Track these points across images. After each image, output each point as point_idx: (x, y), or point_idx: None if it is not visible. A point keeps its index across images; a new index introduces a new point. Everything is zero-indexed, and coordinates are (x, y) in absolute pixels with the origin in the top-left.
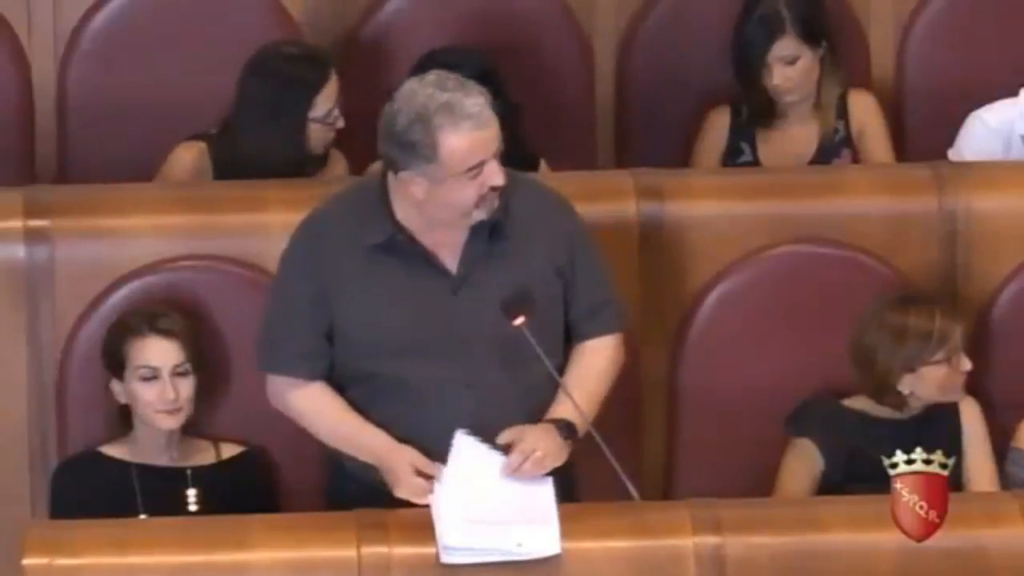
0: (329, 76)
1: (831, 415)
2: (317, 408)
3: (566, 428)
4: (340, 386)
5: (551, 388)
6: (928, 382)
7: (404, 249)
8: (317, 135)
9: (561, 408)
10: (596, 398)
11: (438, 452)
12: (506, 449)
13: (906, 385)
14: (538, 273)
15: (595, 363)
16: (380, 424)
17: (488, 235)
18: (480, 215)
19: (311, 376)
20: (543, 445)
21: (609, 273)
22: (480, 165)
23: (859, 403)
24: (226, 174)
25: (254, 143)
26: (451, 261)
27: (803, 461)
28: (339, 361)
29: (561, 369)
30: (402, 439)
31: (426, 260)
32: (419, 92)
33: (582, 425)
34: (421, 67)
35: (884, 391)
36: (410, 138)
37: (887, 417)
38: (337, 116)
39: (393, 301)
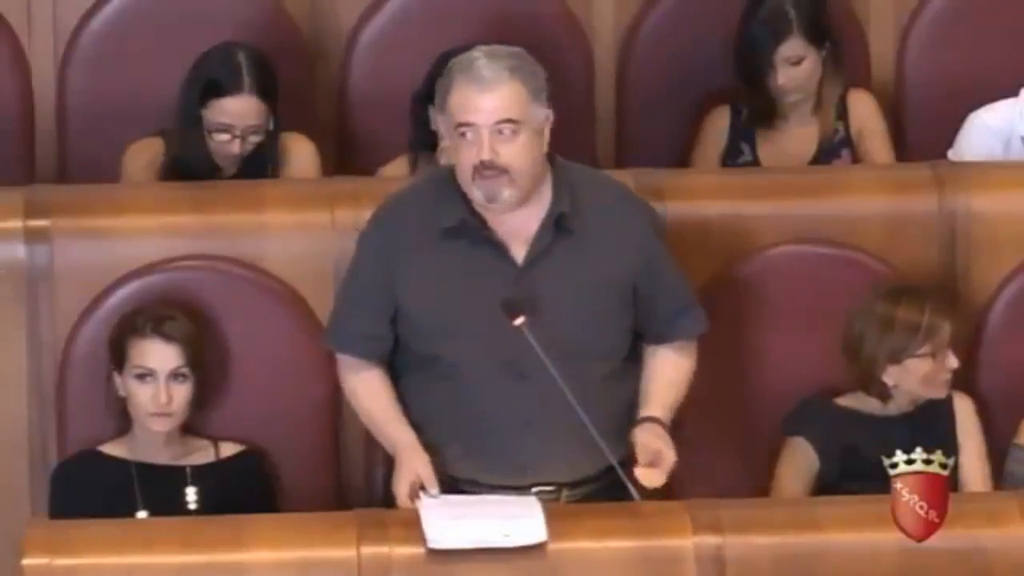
0: (234, 87)
1: (824, 413)
2: (364, 391)
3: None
4: (400, 371)
5: (608, 385)
6: (912, 375)
7: (475, 234)
8: (219, 144)
9: (655, 407)
10: (678, 400)
11: (488, 441)
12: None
13: (891, 376)
14: (604, 273)
15: (681, 365)
16: (434, 410)
17: (554, 228)
18: (479, 196)
19: (369, 357)
20: (668, 448)
21: (685, 278)
22: (469, 127)
23: (852, 401)
24: (168, 168)
25: (177, 140)
26: (519, 251)
27: (798, 460)
28: (401, 344)
29: (615, 372)
30: (455, 425)
31: (494, 247)
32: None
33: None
34: (442, 64)
35: (869, 381)
36: (439, 84)
37: (880, 414)
38: (240, 136)
39: (455, 284)
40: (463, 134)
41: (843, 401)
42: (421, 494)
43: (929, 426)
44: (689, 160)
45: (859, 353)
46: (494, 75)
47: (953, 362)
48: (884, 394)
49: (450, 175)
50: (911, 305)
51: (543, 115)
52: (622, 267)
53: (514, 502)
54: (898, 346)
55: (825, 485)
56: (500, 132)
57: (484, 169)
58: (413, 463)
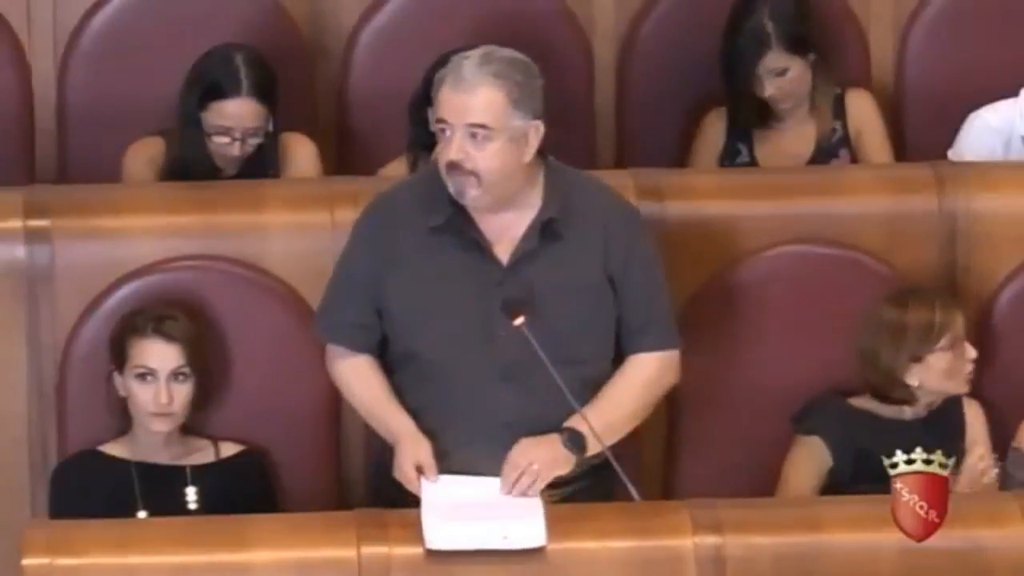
0: (233, 90)
1: (840, 414)
2: (357, 380)
3: (572, 438)
4: (388, 368)
5: (594, 388)
6: (935, 371)
7: (462, 233)
8: (218, 146)
9: (577, 418)
10: (622, 412)
11: (472, 442)
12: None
13: (914, 376)
14: (587, 278)
15: (630, 379)
16: (418, 409)
17: (541, 232)
18: (451, 190)
19: (359, 347)
20: (540, 456)
21: (665, 292)
22: (446, 124)
23: (866, 403)
24: (168, 170)
25: (177, 141)
26: (505, 253)
27: (811, 459)
28: (387, 341)
29: (602, 374)
30: (438, 426)
31: (480, 248)
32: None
33: (595, 437)
34: (440, 66)
35: (892, 386)
36: (438, 75)
37: (894, 418)
38: (240, 139)
39: (440, 283)
40: (442, 130)
41: (857, 402)
42: (422, 479)
43: (941, 430)
44: (687, 162)
45: (877, 363)
46: (475, 78)
47: (972, 352)
48: (909, 397)
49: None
50: (920, 305)
51: (525, 125)
52: (603, 272)
53: (516, 498)
54: (915, 347)
55: (836, 485)
56: (473, 136)
57: (453, 168)
58: (414, 449)
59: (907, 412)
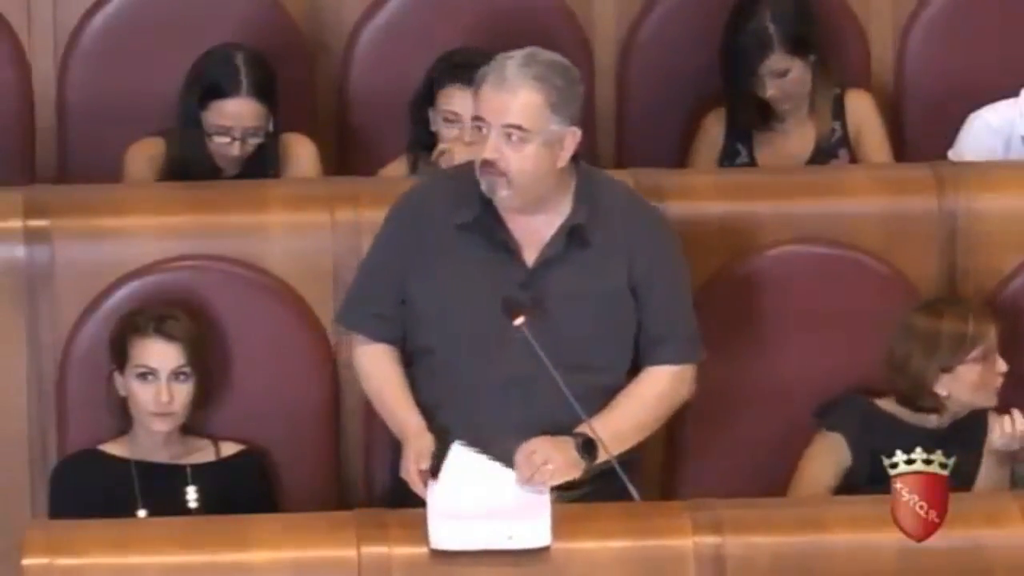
0: (232, 90)
1: (865, 414)
2: (373, 369)
3: (585, 444)
4: (405, 361)
5: (607, 397)
6: (964, 382)
7: (490, 231)
8: (218, 146)
9: (587, 425)
10: (630, 423)
11: (480, 442)
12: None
13: (943, 386)
14: (610, 286)
15: (642, 391)
16: (430, 405)
17: (567, 238)
18: (483, 187)
19: (379, 338)
20: (555, 457)
21: (688, 304)
22: (483, 122)
23: (891, 406)
24: (168, 170)
25: (178, 141)
26: (531, 255)
27: (830, 455)
28: (407, 335)
29: (617, 385)
30: (448, 424)
31: (508, 249)
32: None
33: (602, 446)
34: (440, 65)
35: (920, 394)
36: (480, 71)
37: (917, 424)
38: (240, 139)
39: (463, 281)
40: (479, 127)
41: (883, 404)
42: (430, 480)
43: (961, 441)
44: (687, 162)
45: (907, 370)
46: (515, 78)
47: (1002, 366)
48: (937, 406)
49: (473, 171)
50: (954, 315)
51: (562, 130)
52: (627, 282)
53: (523, 497)
54: (947, 357)
55: (852, 486)
56: (509, 136)
57: (486, 166)
58: (415, 445)
59: (931, 420)
